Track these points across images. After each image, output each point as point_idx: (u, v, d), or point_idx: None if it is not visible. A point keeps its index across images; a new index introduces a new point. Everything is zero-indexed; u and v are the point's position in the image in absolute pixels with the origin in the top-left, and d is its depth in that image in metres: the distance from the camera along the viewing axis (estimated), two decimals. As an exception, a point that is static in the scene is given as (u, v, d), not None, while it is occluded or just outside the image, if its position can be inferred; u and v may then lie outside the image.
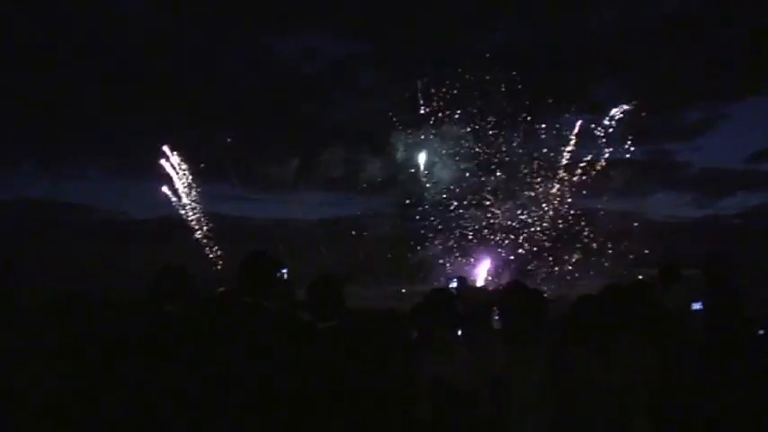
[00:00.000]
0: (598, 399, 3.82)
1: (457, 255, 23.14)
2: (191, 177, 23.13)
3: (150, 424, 3.64)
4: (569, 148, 22.25)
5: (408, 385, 3.99)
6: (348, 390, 3.67)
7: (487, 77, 21.95)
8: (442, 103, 22.83)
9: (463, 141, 22.76)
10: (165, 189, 23.04)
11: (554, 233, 22.70)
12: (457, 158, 23.03)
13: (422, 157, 23.25)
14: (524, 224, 22.92)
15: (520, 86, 21.97)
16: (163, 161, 22.82)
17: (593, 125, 22.13)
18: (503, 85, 21.96)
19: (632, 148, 21.97)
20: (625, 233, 20.78)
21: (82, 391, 3.69)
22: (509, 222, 22.90)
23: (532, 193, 22.69)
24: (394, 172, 23.61)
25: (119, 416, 3.63)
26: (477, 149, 22.98)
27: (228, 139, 22.55)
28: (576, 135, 22.17)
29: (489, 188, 23.25)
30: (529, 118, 22.18)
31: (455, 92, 22.60)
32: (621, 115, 21.76)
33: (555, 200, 22.69)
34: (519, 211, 22.86)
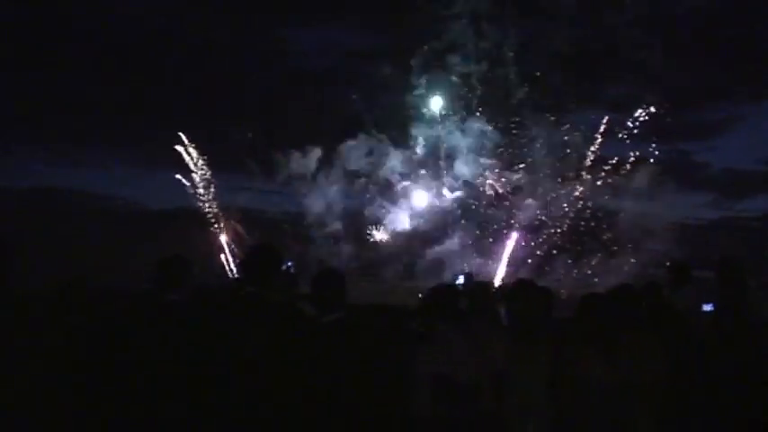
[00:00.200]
0: (601, 397, 3.79)
1: (474, 253, 23.07)
2: (207, 169, 23.30)
3: (150, 414, 3.65)
4: (593, 148, 22.11)
5: (409, 381, 3.97)
6: (348, 384, 3.66)
7: (510, 75, 21.89)
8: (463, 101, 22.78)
9: (486, 137, 22.64)
10: (181, 180, 23.26)
11: (573, 233, 22.59)
12: (480, 153, 22.93)
13: (437, 102, 22.96)
14: (543, 224, 22.81)
15: (539, 83, 21.89)
16: (180, 152, 23.03)
17: (607, 124, 22.00)
18: (519, 81, 21.88)
19: (655, 151, 21.84)
20: (643, 234, 20.60)
21: (79, 380, 3.71)
22: (529, 221, 22.79)
23: (554, 194, 22.57)
24: (413, 165, 23.57)
25: (118, 407, 3.64)
26: (500, 146, 22.86)
27: (249, 134, 22.61)
28: (602, 134, 22.03)
29: (511, 186, 23.15)
30: (550, 117, 22.06)
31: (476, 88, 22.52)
32: (646, 117, 21.59)
33: (574, 200, 22.57)
34: (538, 211, 22.75)
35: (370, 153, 23.19)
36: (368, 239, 24.03)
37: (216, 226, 23.46)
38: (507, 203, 23.21)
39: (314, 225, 23.49)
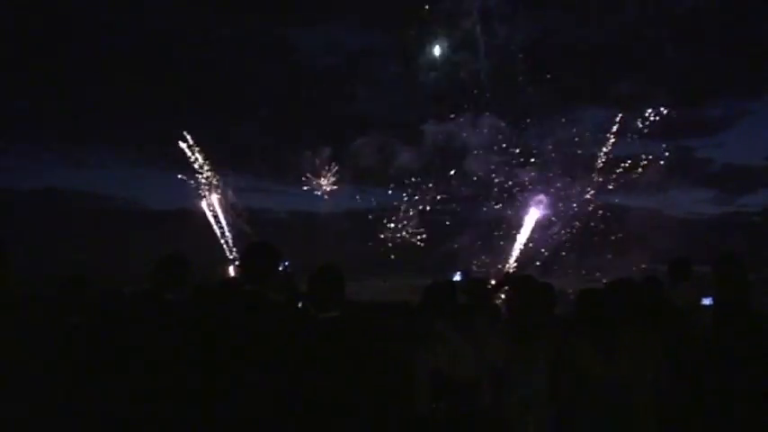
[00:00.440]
0: (601, 393, 3.78)
1: (481, 250, 23.02)
2: (210, 169, 23.26)
3: (150, 413, 3.64)
4: (605, 148, 22.06)
5: (408, 378, 3.96)
6: (346, 382, 3.65)
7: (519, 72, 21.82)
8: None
9: (497, 133, 22.54)
10: (184, 180, 23.21)
11: (580, 231, 22.56)
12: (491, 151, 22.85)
13: (438, 49, 22.74)
14: (552, 221, 22.78)
15: (545, 80, 21.84)
16: (183, 152, 22.97)
17: (620, 123, 21.94)
18: (521, 78, 21.80)
19: (666, 151, 21.81)
20: (648, 230, 20.59)
21: (78, 380, 3.71)
22: (538, 219, 22.73)
23: (563, 192, 22.54)
24: (421, 164, 23.50)
25: (117, 407, 3.64)
26: (507, 144, 22.78)
27: (255, 133, 22.59)
28: (615, 133, 21.97)
29: (521, 183, 23.07)
30: (558, 115, 22.07)
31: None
32: (657, 118, 21.54)
33: (583, 197, 22.55)
34: (545, 210, 22.70)
35: (380, 150, 23.11)
36: (377, 237, 23.98)
37: (219, 226, 23.44)
38: (517, 201, 23.17)
39: (323, 224, 23.47)
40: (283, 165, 23.12)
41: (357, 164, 22.96)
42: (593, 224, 22.43)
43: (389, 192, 23.86)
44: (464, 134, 22.66)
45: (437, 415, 3.91)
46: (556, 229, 22.57)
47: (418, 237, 23.64)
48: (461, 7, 21.70)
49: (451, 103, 22.84)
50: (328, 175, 23.05)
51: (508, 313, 4.78)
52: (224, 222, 23.40)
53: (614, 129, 21.80)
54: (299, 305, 4.29)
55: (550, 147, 22.32)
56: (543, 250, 22.46)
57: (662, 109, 21.35)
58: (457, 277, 6.13)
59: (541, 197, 22.48)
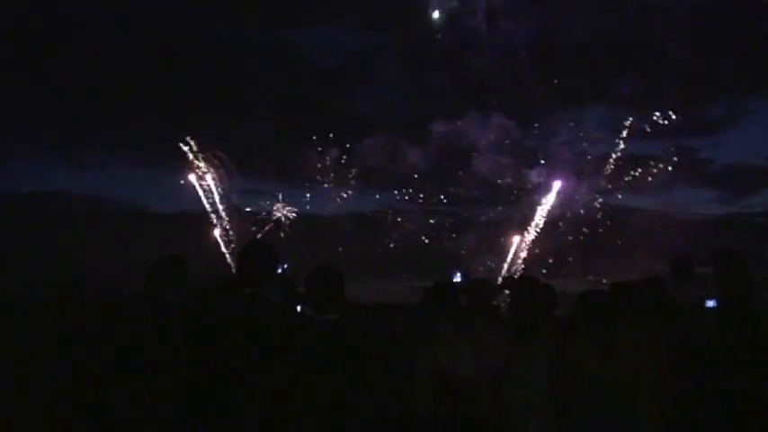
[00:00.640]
0: (601, 394, 3.74)
1: (486, 252, 22.99)
2: (213, 172, 23.22)
3: (148, 414, 3.62)
4: (618, 149, 22.04)
5: (409, 379, 3.93)
6: (346, 383, 3.62)
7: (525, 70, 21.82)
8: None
9: (505, 133, 22.51)
10: (188, 182, 23.17)
11: (585, 232, 22.56)
12: (498, 150, 22.82)
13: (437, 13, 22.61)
14: (555, 224, 22.76)
15: (548, 79, 21.84)
16: (186, 155, 22.94)
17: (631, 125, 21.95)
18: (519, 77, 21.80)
19: (673, 153, 21.82)
20: (653, 231, 20.57)
21: (77, 382, 3.68)
22: (545, 218, 22.71)
23: (569, 192, 22.54)
24: (427, 165, 23.45)
25: (115, 408, 3.61)
26: (516, 144, 22.75)
27: (259, 135, 22.56)
28: (626, 136, 21.96)
29: (529, 183, 23.03)
30: (564, 113, 22.07)
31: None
32: (666, 122, 21.54)
33: (587, 198, 22.56)
34: (550, 209, 22.68)
35: (386, 151, 23.06)
36: (381, 239, 23.95)
37: (222, 228, 23.39)
38: (525, 201, 23.14)
39: (328, 225, 23.44)
40: (287, 166, 23.10)
41: (363, 165, 22.96)
42: (599, 226, 22.44)
43: (395, 192, 23.89)
44: (472, 134, 22.64)
45: (438, 416, 3.88)
46: (561, 229, 22.56)
47: (423, 238, 23.64)
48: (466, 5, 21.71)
49: (458, 103, 22.87)
50: (337, 174, 23.04)
51: (509, 313, 4.75)
52: (226, 224, 23.42)
53: (625, 131, 21.82)
54: (299, 307, 4.26)
55: (556, 147, 22.36)
56: (550, 259, 22.46)
57: (670, 113, 21.37)
58: (457, 278, 6.11)
59: (547, 198, 22.46)
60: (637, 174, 21.86)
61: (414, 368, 3.95)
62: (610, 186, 22.32)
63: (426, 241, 23.61)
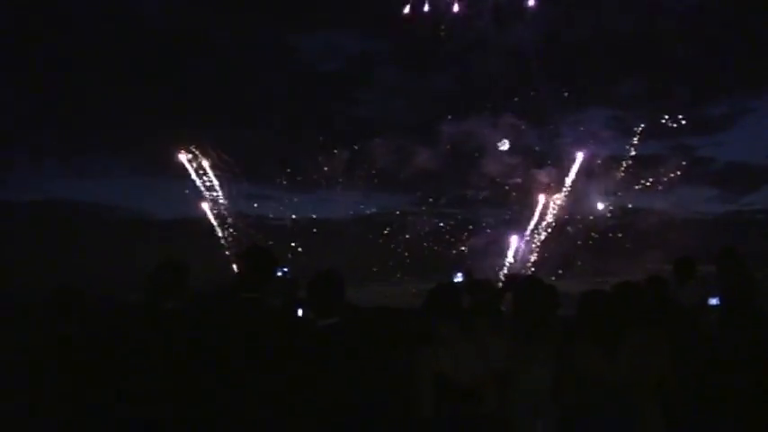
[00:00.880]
0: (605, 395, 3.73)
1: (492, 252, 22.95)
2: (215, 176, 23.18)
3: (147, 421, 3.61)
4: (632, 152, 22.03)
5: (411, 382, 3.92)
6: (347, 387, 3.61)
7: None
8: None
9: (514, 133, 22.47)
10: (189, 188, 23.13)
11: (592, 233, 22.54)
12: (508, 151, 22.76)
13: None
14: (562, 226, 22.73)
15: (554, 79, 21.83)
16: (188, 160, 22.90)
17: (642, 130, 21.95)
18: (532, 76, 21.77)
19: (679, 150, 21.83)
20: (659, 232, 20.56)
21: (75, 390, 3.68)
22: (551, 221, 22.68)
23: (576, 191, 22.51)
24: (435, 166, 23.41)
25: (112, 411, 3.61)
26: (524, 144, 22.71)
27: (260, 139, 22.55)
28: (639, 138, 21.94)
29: (539, 184, 22.98)
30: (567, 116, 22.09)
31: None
32: (675, 125, 21.56)
33: (594, 199, 22.52)
34: (556, 210, 22.65)
35: (392, 153, 23.03)
36: (386, 242, 23.90)
37: (226, 235, 23.35)
38: (532, 201, 23.08)
39: (334, 229, 23.41)
40: (291, 170, 23.09)
41: (368, 168, 22.92)
42: (606, 227, 22.42)
43: (400, 195, 23.87)
44: (479, 135, 22.59)
45: (441, 419, 3.87)
46: (568, 229, 22.53)
47: (428, 241, 23.61)
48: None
49: (463, 104, 22.83)
50: (342, 177, 23.00)
51: (511, 314, 4.73)
52: (230, 229, 23.36)
53: (636, 138, 21.80)
54: (300, 311, 4.26)
55: (561, 148, 22.34)
56: (557, 261, 22.42)
57: (680, 116, 21.40)
58: (458, 278, 6.09)
59: (554, 198, 22.39)
60: (648, 181, 21.89)
61: (415, 370, 3.94)
62: (617, 189, 22.32)
63: (434, 246, 23.58)
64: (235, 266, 22.29)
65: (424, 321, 4.26)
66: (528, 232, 22.57)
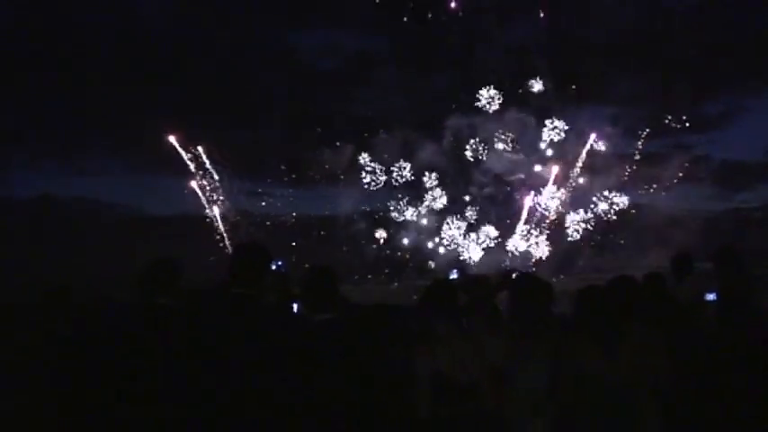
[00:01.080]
0: (603, 393, 3.71)
1: (496, 248, 22.99)
2: (214, 174, 23.17)
3: (142, 420, 3.60)
4: (638, 151, 22.07)
5: (407, 380, 3.90)
6: (343, 384, 3.60)
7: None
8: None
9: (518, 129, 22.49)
10: (188, 185, 23.09)
11: (593, 231, 22.60)
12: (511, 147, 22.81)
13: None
14: (562, 224, 22.78)
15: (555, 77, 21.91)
16: (186, 158, 22.88)
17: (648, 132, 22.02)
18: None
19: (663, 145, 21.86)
20: (659, 229, 20.61)
21: (68, 388, 3.66)
22: (553, 219, 22.73)
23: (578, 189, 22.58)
24: (439, 163, 23.42)
25: (107, 411, 3.59)
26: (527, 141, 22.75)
27: (261, 136, 22.56)
28: (645, 137, 21.98)
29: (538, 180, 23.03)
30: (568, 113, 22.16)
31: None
32: (678, 126, 21.62)
33: (595, 196, 22.59)
34: (560, 206, 22.71)
35: (400, 147, 23.03)
36: (387, 239, 23.91)
37: (227, 231, 23.31)
38: (535, 197, 23.12)
39: (339, 226, 23.43)
40: (291, 167, 23.11)
41: (366, 165, 22.90)
42: (607, 225, 22.48)
43: (401, 194, 23.88)
44: (487, 130, 22.61)
45: (438, 417, 3.85)
46: (570, 227, 22.58)
47: (429, 238, 23.63)
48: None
49: (465, 101, 22.87)
50: (342, 175, 23.00)
51: (508, 312, 4.71)
52: (228, 226, 23.34)
53: (643, 136, 21.84)
54: (295, 306, 4.24)
55: (562, 145, 22.41)
56: (559, 258, 22.46)
57: (684, 117, 21.46)
58: (454, 275, 6.06)
59: (555, 195, 22.40)
60: (648, 179, 21.98)
61: (413, 369, 3.92)
62: (617, 187, 22.39)
63: (436, 241, 23.61)
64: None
65: (421, 319, 4.23)
66: (527, 231, 22.63)
